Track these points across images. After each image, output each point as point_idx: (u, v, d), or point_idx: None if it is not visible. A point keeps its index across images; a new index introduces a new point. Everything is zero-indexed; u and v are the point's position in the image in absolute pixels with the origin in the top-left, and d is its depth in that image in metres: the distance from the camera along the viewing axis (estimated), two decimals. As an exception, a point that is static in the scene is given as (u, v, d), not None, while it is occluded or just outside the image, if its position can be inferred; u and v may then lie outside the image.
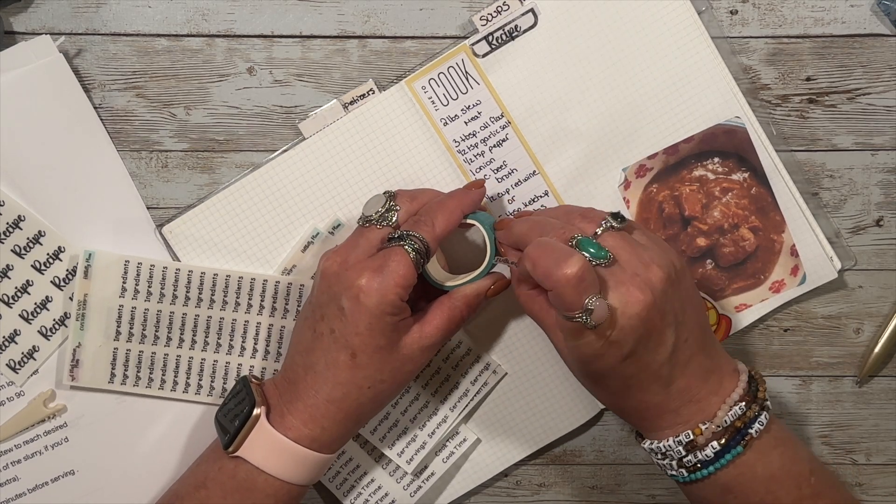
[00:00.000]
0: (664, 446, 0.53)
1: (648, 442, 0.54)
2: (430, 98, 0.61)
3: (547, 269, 0.48)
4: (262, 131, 0.62)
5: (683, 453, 0.53)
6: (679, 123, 0.62)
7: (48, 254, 0.61)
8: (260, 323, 0.62)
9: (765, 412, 0.53)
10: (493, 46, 0.61)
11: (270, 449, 0.55)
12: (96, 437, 0.63)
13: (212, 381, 0.63)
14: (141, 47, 0.61)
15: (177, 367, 0.62)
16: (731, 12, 0.62)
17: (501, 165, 0.62)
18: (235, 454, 0.55)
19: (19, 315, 0.61)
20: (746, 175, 0.62)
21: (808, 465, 0.54)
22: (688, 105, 0.61)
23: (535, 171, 0.62)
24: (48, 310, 0.62)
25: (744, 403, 0.52)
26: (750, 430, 0.52)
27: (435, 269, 0.58)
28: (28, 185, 0.60)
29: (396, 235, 0.54)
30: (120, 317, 0.62)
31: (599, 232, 0.52)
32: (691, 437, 0.52)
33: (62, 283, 0.62)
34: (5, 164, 0.60)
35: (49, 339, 0.62)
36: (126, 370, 0.62)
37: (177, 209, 0.62)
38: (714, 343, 0.54)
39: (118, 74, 0.61)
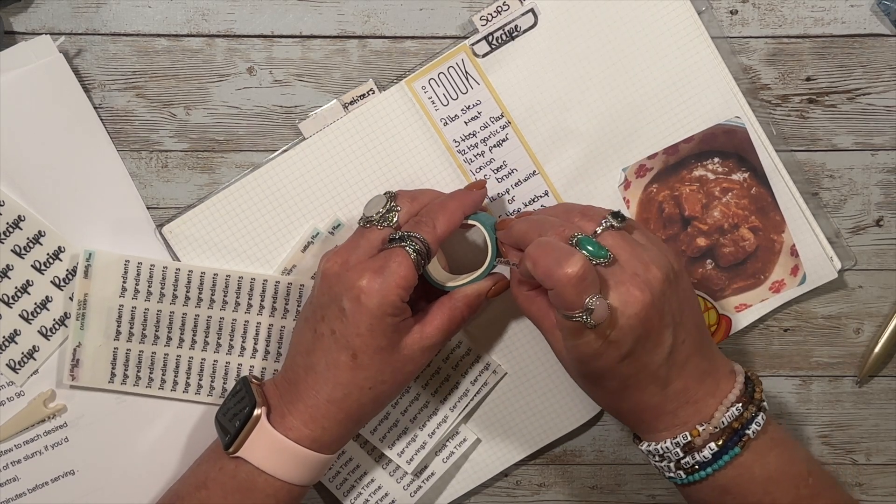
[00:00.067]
0: (662, 448, 0.53)
1: (646, 444, 0.54)
2: (430, 98, 0.61)
3: (548, 269, 0.48)
4: (262, 131, 0.62)
5: (681, 455, 0.53)
6: (679, 123, 0.62)
7: (48, 254, 0.61)
8: (260, 323, 0.62)
9: (761, 413, 0.53)
10: (493, 46, 0.61)
11: (271, 449, 0.55)
12: (96, 437, 0.63)
13: (212, 381, 0.63)
14: (141, 47, 0.61)
15: (177, 366, 0.62)
16: (731, 12, 0.62)
17: (501, 165, 0.62)
18: (236, 454, 0.55)
19: (19, 315, 0.61)
20: (746, 175, 0.62)
21: (805, 465, 0.54)
22: (688, 105, 0.61)
23: (535, 171, 0.62)
24: (48, 310, 0.62)
25: (740, 405, 0.52)
26: (747, 432, 0.52)
27: (436, 269, 0.58)
28: (28, 185, 0.60)
29: (397, 236, 0.54)
30: (120, 316, 0.62)
31: (599, 231, 0.52)
32: (689, 438, 0.52)
33: (62, 283, 0.62)
34: (5, 164, 0.60)
35: (49, 339, 0.62)
36: (126, 370, 0.62)
37: (177, 209, 0.62)
38: (711, 345, 0.54)
39: (118, 74, 0.61)
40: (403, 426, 0.63)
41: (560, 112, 0.61)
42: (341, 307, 0.53)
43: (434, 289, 0.58)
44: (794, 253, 0.62)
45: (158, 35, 0.61)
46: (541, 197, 0.62)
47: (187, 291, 0.62)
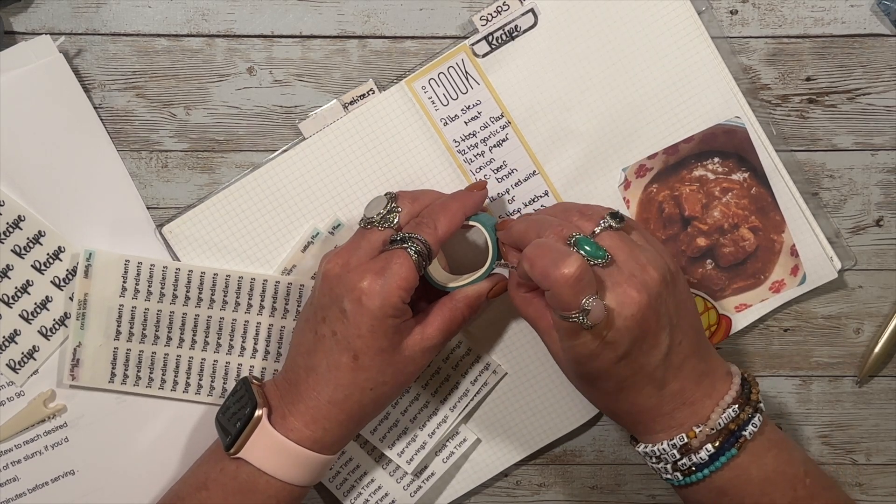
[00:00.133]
0: (658, 450, 0.53)
1: (643, 445, 0.54)
2: (430, 98, 0.61)
3: (545, 269, 0.48)
4: (262, 131, 0.62)
5: (678, 456, 0.53)
6: (679, 123, 0.62)
7: (48, 254, 0.61)
8: (260, 323, 0.62)
9: (758, 414, 0.53)
10: (493, 46, 0.61)
11: (272, 450, 0.55)
12: (96, 437, 0.63)
13: (212, 381, 0.63)
14: (141, 47, 0.61)
15: (177, 366, 0.62)
16: (731, 12, 0.62)
17: (501, 165, 0.62)
18: (237, 455, 0.55)
19: (19, 315, 0.61)
20: (746, 175, 0.62)
21: (802, 466, 0.54)
22: (688, 105, 0.61)
23: (535, 171, 0.62)
24: (48, 310, 0.62)
25: (737, 406, 0.52)
26: (743, 433, 0.52)
27: (436, 270, 0.58)
28: (28, 185, 0.60)
29: (398, 238, 0.54)
30: (120, 316, 0.62)
31: (598, 231, 0.52)
32: (685, 440, 0.52)
33: (62, 283, 0.62)
34: (5, 164, 0.60)
35: (49, 339, 0.62)
36: (126, 370, 0.62)
37: (177, 209, 0.62)
38: (707, 346, 0.54)
39: (118, 74, 0.61)
40: (403, 426, 0.63)
41: (560, 112, 0.61)
42: (342, 308, 0.53)
43: (434, 289, 0.58)
44: (794, 253, 0.62)
45: (158, 35, 0.61)
46: (541, 197, 0.62)
47: (187, 291, 0.62)
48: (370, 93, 0.61)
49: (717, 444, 0.52)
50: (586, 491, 0.67)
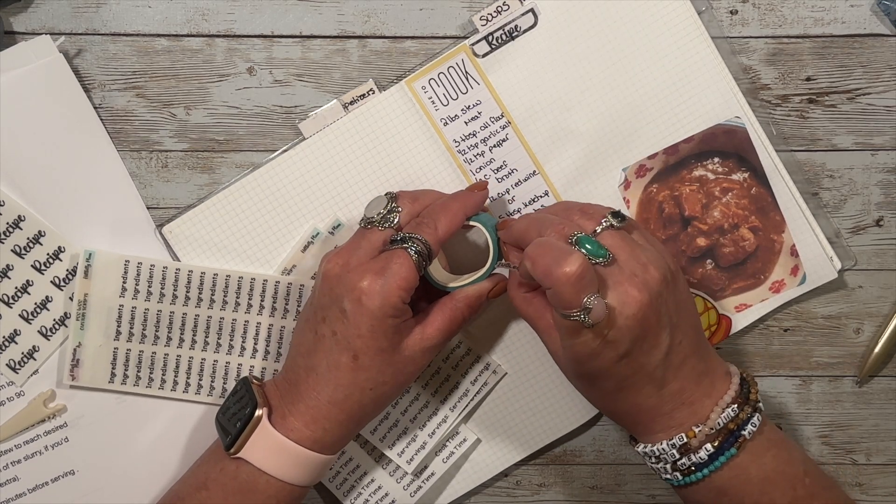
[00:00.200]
0: (658, 450, 0.53)
1: (642, 446, 0.54)
2: (430, 98, 0.61)
3: (547, 268, 0.48)
4: (262, 131, 0.62)
5: (677, 456, 0.53)
6: (679, 123, 0.62)
7: (48, 254, 0.61)
8: (260, 323, 0.62)
9: (757, 414, 0.53)
10: (493, 46, 0.61)
11: (272, 450, 0.55)
12: (96, 437, 0.63)
13: (212, 381, 0.63)
14: (141, 47, 0.61)
15: (177, 366, 0.62)
16: (731, 12, 0.62)
17: (501, 165, 0.62)
18: (237, 455, 0.55)
19: (19, 315, 0.61)
20: (746, 175, 0.62)
21: (801, 466, 0.54)
22: (688, 105, 0.61)
23: (535, 171, 0.62)
24: (48, 310, 0.62)
25: (736, 406, 0.52)
26: (743, 433, 0.52)
27: (437, 270, 0.58)
28: (28, 185, 0.60)
29: (399, 238, 0.54)
30: (120, 316, 0.62)
31: (599, 230, 0.52)
32: (685, 439, 0.52)
33: (62, 283, 0.62)
34: (5, 164, 0.60)
35: (49, 339, 0.62)
36: (126, 370, 0.62)
37: (177, 209, 0.62)
38: (707, 346, 0.54)
39: (118, 74, 0.61)
40: (403, 426, 0.63)
41: (560, 112, 0.61)
42: (342, 308, 0.53)
43: (434, 289, 0.58)
44: (794, 253, 0.62)
45: (158, 35, 0.61)
46: (541, 197, 0.62)
47: (187, 291, 0.62)
48: (370, 93, 0.61)
49: (716, 443, 0.52)
50: (586, 491, 0.67)
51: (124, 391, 0.63)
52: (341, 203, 0.62)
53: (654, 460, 0.54)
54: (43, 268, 0.61)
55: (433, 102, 0.61)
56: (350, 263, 0.54)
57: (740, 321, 0.63)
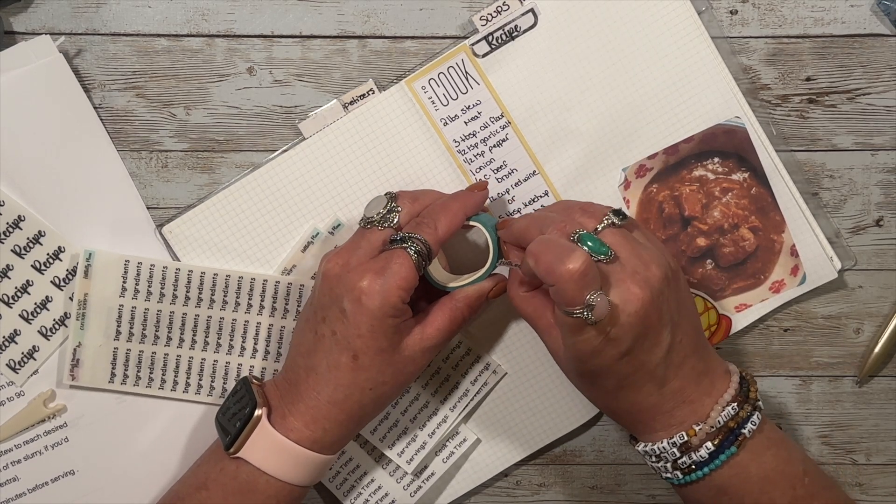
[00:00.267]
0: (658, 448, 0.53)
1: (642, 444, 0.54)
2: (430, 98, 0.61)
3: (549, 265, 0.48)
4: (262, 131, 0.62)
5: (678, 455, 0.53)
6: (679, 123, 0.62)
7: (48, 254, 0.61)
8: (260, 323, 0.62)
9: (757, 412, 0.53)
10: (493, 46, 0.61)
11: (272, 450, 0.55)
12: (96, 437, 0.63)
13: (212, 381, 0.63)
14: (141, 47, 0.61)
15: (177, 366, 0.62)
16: (731, 12, 0.62)
17: (501, 165, 0.62)
18: (236, 455, 0.55)
19: (19, 315, 0.61)
20: (746, 175, 0.62)
21: (801, 465, 0.54)
22: (688, 105, 0.61)
23: (535, 171, 0.62)
24: (48, 310, 0.62)
25: (736, 404, 0.52)
26: (743, 431, 0.52)
27: (437, 270, 0.58)
28: (28, 185, 0.60)
29: (398, 237, 0.54)
30: (120, 316, 0.62)
31: (600, 228, 0.52)
32: (685, 438, 0.52)
33: (62, 283, 0.62)
34: (5, 164, 0.60)
35: (49, 339, 0.62)
36: (126, 370, 0.62)
37: (177, 209, 0.62)
38: (706, 345, 0.54)
39: (118, 74, 0.61)
40: (403, 426, 0.63)
41: (560, 112, 0.61)
42: (342, 308, 0.53)
43: (434, 289, 0.58)
44: (794, 253, 0.62)
45: (158, 35, 0.61)
46: (541, 197, 0.62)
47: (187, 291, 0.62)
48: (370, 93, 0.61)
49: (716, 441, 0.52)
50: (586, 491, 0.67)
51: (124, 391, 0.63)
52: (341, 203, 0.62)
53: (654, 459, 0.54)
54: (43, 268, 0.61)
55: (433, 102, 0.61)
56: (350, 263, 0.54)
57: (740, 321, 0.63)
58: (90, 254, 0.61)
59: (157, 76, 0.62)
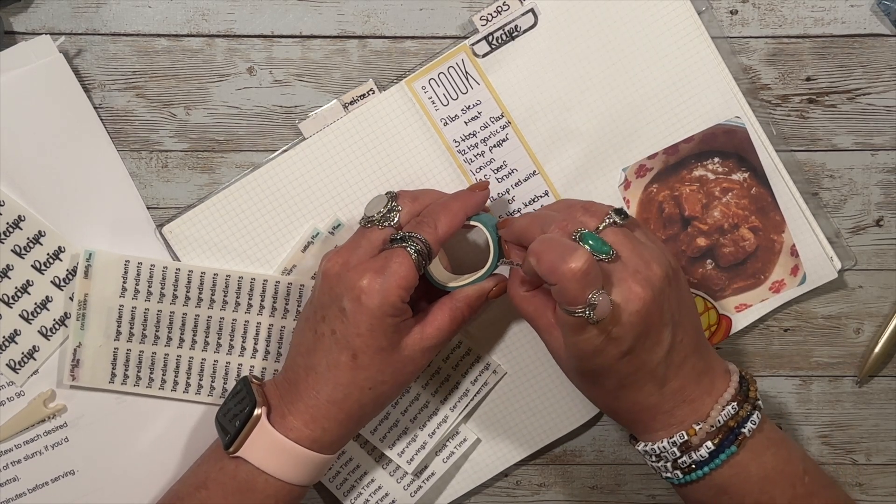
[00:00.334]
0: (659, 448, 0.53)
1: (643, 444, 0.54)
2: (430, 98, 0.61)
3: (552, 264, 0.48)
4: (262, 131, 0.62)
5: (678, 454, 0.53)
6: (679, 123, 0.62)
7: (48, 254, 0.61)
8: (260, 323, 0.62)
9: (757, 412, 0.53)
10: (493, 46, 0.61)
11: (271, 449, 0.55)
12: (96, 437, 0.63)
13: (212, 381, 0.63)
14: (141, 47, 0.61)
15: (177, 367, 0.62)
16: (731, 12, 0.62)
17: (501, 165, 0.62)
18: (236, 454, 0.55)
19: (19, 315, 0.61)
20: (746, 175, 0.62)
21: (801, 464, 0.54)
22: (688, 105, 0.61)
23: (535, 171, 0.62)
24: (48, 310, 0.62)
25: (735, 403, 0.52)
26: (743, 430, 0.52)
27: (437, 269, 0.58)
28: (28, 185, 0.60)
29: (399, 237, 0.54)
30: (120, 317, 0.62)
31: (602, 227, 0.52)
32: (685, 437, 0.52)
33: (62, 283, 0.62)
34: (5, 164, 0.60)
35: (49, 339, 0.62)
36: (126, 370, 0.62)
37: (177, 209, 0.62)
38: (706, 345, 0.54)
39: (118, 74, 0.61)
40: (403, 426, 0.63)
41: (560, 112, 0.61)
42: (342, 307, 0.53)
43: (435, 289, 0.58)
44: (794, 253, 0.62)
45: (158, 35, 0.61)
46: (541, 197, 0.62)
47: (187, 291, 0.62)
48: (370, 93, 0.61)
49: (716, 441, 0.52)
50: (586, 491, 0.67)
51: (124, 391, 0.63)
52: (341, 203, 0.62)
53: (654, 459, 0.54)
54: (43, 268, 0.61)
55: (433, 102, 0.61)
56: (350, 262, 0.54)
57: (740, 321, 0.63)
58: (90, 254, 0.61)
59: (157, 76, 0.62)
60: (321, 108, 0.61)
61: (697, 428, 0.52)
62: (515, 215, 0.62)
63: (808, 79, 0.62)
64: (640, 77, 0.61)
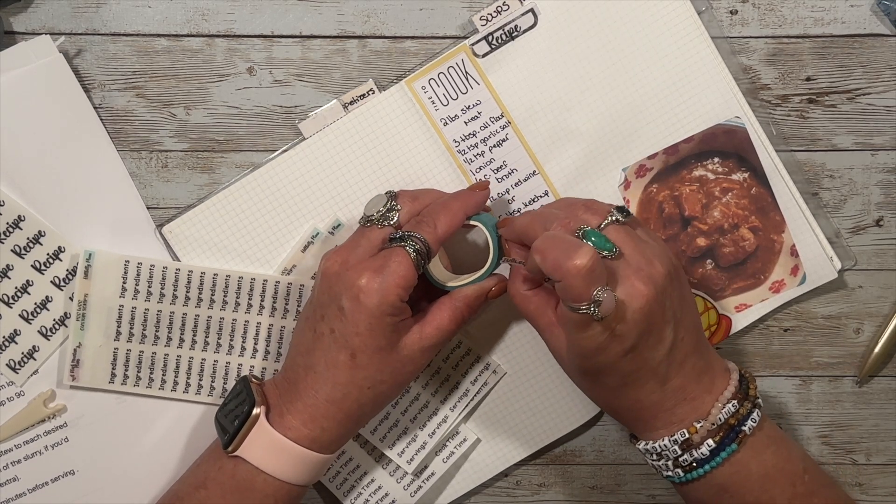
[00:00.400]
0: (660, 446, 0.53)
1: (643, 443, 0.54)
2: (430, 98, 0.61)
3: (556, 261, 0.48)
4: (262, 131, 0.62)
5: (679, 452, 0.53)
6: (679, 123, 0.62)
7: (48, 254, 0.61)
8: (260, 323, 0.62)
9: (757, 410, 0.53)
10: (493, 46, 0.61)
11: (269, 449, 0.55)
12: (96, 437, 0.63)
13: (212, 381, 0.63)
14: (141, 47, 0.61)
15: (177, 367, 0.62)
16: (731, 12, 0.62)
17: (501, 165, 0.62)
18: (235, 454, 0.55)
19: (19, 315, 0.61)
20: (746, 175, 0.62)
21: (801, 463, 0.54)
22: (688, 105, 0.61)
23: (535, 171, 0.62)
24: (48, 310, 0.62)
25: (736, 401, 0.52)
26: (743, 428, 0.52)
27: (437, 269, 0.58)
28: (28, 185, 0.60)
29: (398, 236, 0.54)
30: (120, 317, 0.62)
31: (604, 225, 0.52)
32: (686, 435, 0.52)
33: (62, 283, 0.62)
34: (5, 164, 0.60)
35: (49, 339, 0.62)
36: (126, 370, 0.62)
37: (177, 209, 0.62)
38: (706, 343, 0.54)
39: (118, 74, 0.61)
40: (403, 426, 0.63)
41: (560, 112, 0.61)
42: (340, 306, 0.53)
43: (435, 288, 0.58)
44: (794, 253, 0.62)
45: (158, 35, 0.61)
46: (541, 197, 0.62)
47: (187, 291, 0.62)
48: (370, 93, 0.61)
49: (717, 439, 0.52)
50: (586, 491, 0.67)
51: (124, 391, 0.63)
52: (341, 203, 0.62)
53: (655, 457, 0.54)
54: (43, 268, 0.61)
55: (433, 102, 0.61)
56: (349, 261, 0.54)
57: (740, 321, 0.63)
58: (90, 254, 0.61)
59: (157, 76, 0.62)
60: (321, 108, 0.61)
61: (698, 426, 0.52)
62: (515, 215, 0.62)
63: (808, 79, 0.62)
64: (640, 77, 0.61)
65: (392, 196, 0.56)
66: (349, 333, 0.53)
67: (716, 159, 0.62)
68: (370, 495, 0.64)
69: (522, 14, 0.61)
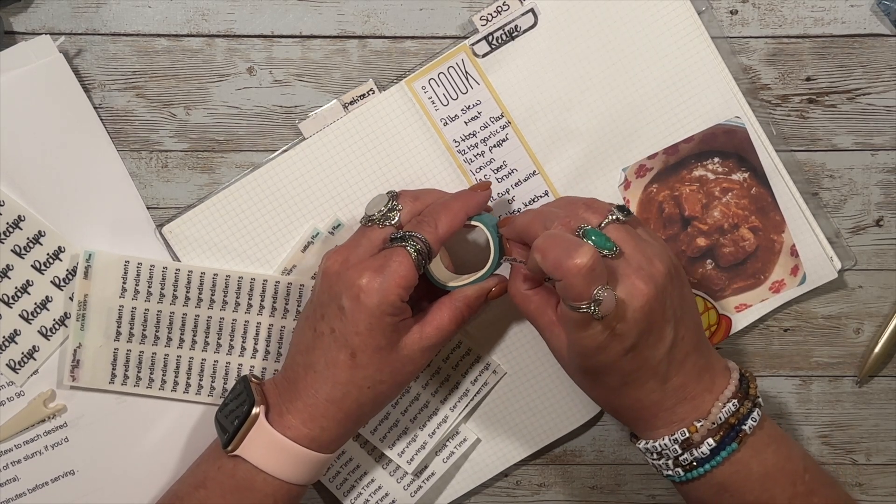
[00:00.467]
0: (660, 445, 0.53)
1: (644, 442, 0.54)
2: (430, 98, 0.61)
3: (557, 259, 0.48)
4: (262, 131, 0.62)
5: (679, 451, 0.53)
6: (679, 123, 0.62)
7: (48, 254, 0.61)
8: (260, 323, 0.62)
9: (757, 409, 0.53)
10: (493, 46, 0.61)
11: (269, 448, 0.55)
12: (96, 437, 0.63)
13: (212, 381, 0.63)
14: (141, 47, 0.61)
15: (177, 367, 0.62)
16: (731, 12, 0.62)
17: (501, 165, 0.62)
18: (234, 453, 0.55)
19: (19, 315, 0.61)
20: (746, 175, 0.62)
21: (801, 462, 0.54)
22: (688, 105, 0.61)
23: (535, 171, 0.62)
24: (48, 310, 0.62)
25: (736, 400, 0.52)
26: (743, 427, 0.52)
27: (438, 269, 0.58)
28: (28, 185, 0.60)
29: (399, 236, 0.54)
30: (120, 317, 0.62)
31: (604, 224, 0.52)
32: (687, 434, 0.52)
33: (62, 283, 0.62)
34: (5, 164, 0.60)
35: (49, 339, 0.62)
36: (126, 370, 0.62)
37: (177, 209, 0.62)
38: (706, 342, 0.54)
39: (118, 74, 0.61)
40: (403, 426, 0.63)
41: (560, 112, 0.61)
42: (341, 306, 0.53)
43: (436, 288, 0.58)
44: (794, 253, 0.62)
45: (158, 35, 0.61)
46: (541, 197, 0.62)
47: (187, 292, 0.62)
48: (370, 93, 0.61)
49: (717, 438, 0.52)
50: (586, 491, 0.67)
51: (124, 392, 0.63)
52: (341, 203, 0.62)
53: (655, 456, 0.54)
54: (43, 268, 0.61)
55: (433, 102, 0.61)
56: (349, 261, 0.54)
57: (740, 321, 0.63)
58: (90, 254, 0.61)
59: (157, 76, 0.62)
60: (321, 108, 0.61)
61: (699, 425, 0.52)
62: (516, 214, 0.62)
63: (808, 79, 0.62)
64: (640, 77, 0.61)
65: (393, 196, 0.57)
66: (349, 333, 0.53)
67: (716, 159, 0.62)
68: (370, 495, 0.64)
69: (522, 14, 0.61)
